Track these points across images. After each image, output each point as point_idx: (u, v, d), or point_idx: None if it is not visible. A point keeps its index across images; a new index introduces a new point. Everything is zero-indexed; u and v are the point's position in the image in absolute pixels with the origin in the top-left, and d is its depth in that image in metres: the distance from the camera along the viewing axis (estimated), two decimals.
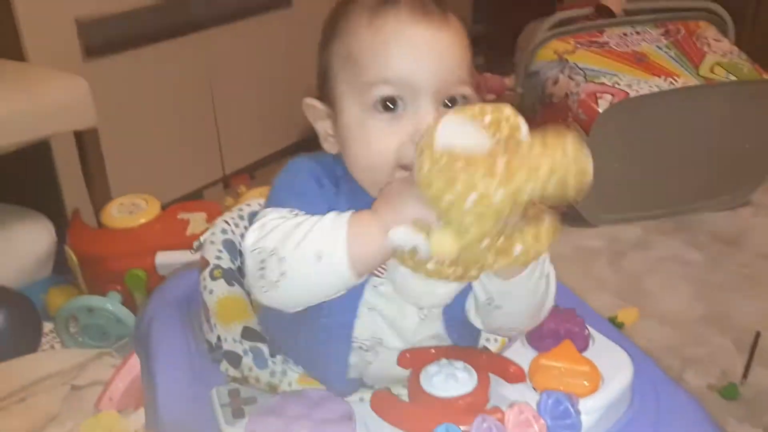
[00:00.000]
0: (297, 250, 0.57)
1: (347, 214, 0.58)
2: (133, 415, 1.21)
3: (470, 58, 0.65)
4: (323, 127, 0.68)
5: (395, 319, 0.68)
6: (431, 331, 0.70)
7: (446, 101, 0.62)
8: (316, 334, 0.68)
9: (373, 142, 0.62)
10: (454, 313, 0.70)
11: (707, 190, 1.99)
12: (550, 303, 0.67)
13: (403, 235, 0.55)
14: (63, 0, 1.69)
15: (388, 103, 0.61)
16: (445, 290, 0.63)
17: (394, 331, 0.69)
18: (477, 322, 0.70)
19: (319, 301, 0.61)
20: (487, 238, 0.52)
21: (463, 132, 0.53)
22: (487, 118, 0.54)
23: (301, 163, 0.69)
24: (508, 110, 0.54)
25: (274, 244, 0.58)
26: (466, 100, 0.63)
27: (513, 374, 0.65)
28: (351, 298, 0.65)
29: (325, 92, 0.67)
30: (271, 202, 0.66)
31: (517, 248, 0.53)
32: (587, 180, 0.52)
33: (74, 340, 1.47)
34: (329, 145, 0.69)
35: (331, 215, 0.59)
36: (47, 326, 1.50)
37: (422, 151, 0.52)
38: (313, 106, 0.68)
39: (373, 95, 0.61)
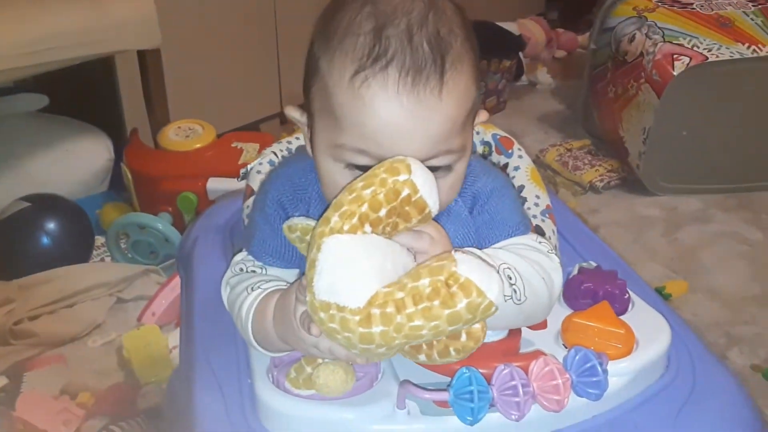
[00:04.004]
0: (237, 324, 0.66)
1: (254, 307, 0.62)
2: (173, 332, 1.25)
3: (467, 115, 0.58)
4: (304, 135, 0.65)
5: None
6: None
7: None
8: None
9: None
10: None
11: None
12: (543, 308, 0.62)
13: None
14: None
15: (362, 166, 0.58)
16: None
17: None
18: None
19: None
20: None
21: (351, 255, 0.50)
22: (383, 212, 0.51)
23: (273, 183, 0.69)
24: (406, 190, 0.51)
25: (230, 310, 0.68)
26: (447, 169, 0.58)
27: None
28: None
29: (306, 105, 0.63)
30: (250, 217, 0.73)
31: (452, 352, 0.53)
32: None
33: (124, 255, 1.52)
34: (310, 151, 0.65)
35: (250, 300, 0.63)
36: (99, 240, 1.56)
37: (308, 285, 0.51)
38: (294, 117, 0.66)
39: (346, 158, 0.58)
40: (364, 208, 0.51)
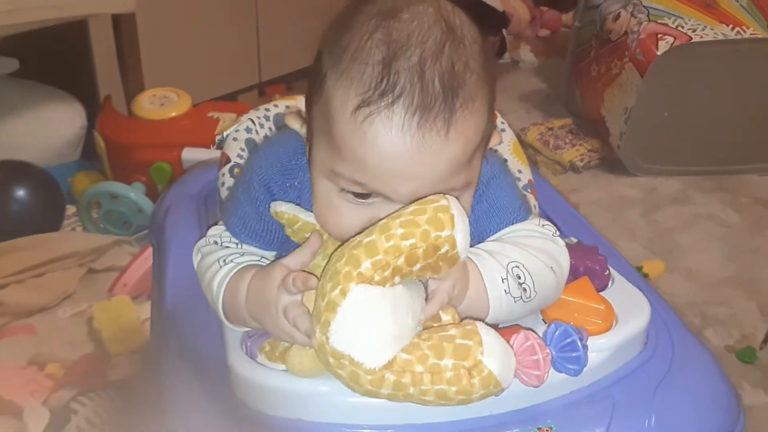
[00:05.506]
0: (207, 295, 0.65)
1: (226, 282, 0.61)
2: (145, 303, 1.23)
3: (474, 151, 0.56)
4: (305, 146, 0.62)
5: None
6: None
7: None
8: None
9: (333, 217, 0.57)
10: None
11: (758, 153, 1.90)
12: (552, 296, 0.62)
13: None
14: None
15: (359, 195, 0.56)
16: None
17: None
18: None
19: None
20: None
21: (377, 314, 0.48)
22: (417, 267, 0.49)
23: (261, 162, 0.65)
24: (446, 246, 0.49)
25: (200, 279, 0.66)
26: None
27: None
28: None
29: (307, 116, 0.60)
30: (232, 192, 0.69)
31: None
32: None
33: (95, 225, 1.49)
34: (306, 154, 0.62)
35: (222, 273, 0.62)
36: (70, 209, 1.52)
37: (320, 323, 0.48)
38: (294, 128, 0.63)
39: (343, 186, 0.55)
40: (401, 261, 0.49)
